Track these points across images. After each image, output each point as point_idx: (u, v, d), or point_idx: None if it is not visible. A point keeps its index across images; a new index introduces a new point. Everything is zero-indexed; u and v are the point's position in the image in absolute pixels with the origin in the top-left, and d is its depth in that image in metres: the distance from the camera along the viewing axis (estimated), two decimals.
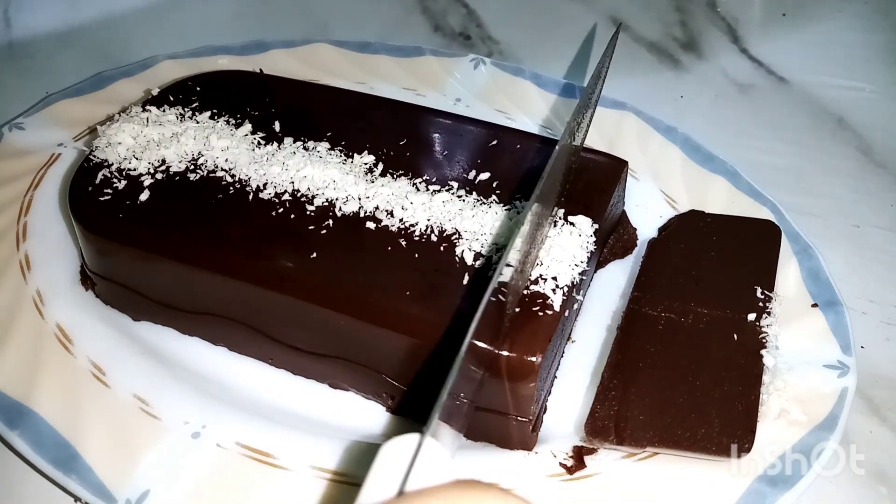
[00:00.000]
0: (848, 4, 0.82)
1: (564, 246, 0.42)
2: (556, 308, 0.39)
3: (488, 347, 0.37)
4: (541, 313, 0.39)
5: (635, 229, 0.53)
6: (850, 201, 0.60)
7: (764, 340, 0.42)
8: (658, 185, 0.56)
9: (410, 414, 0.44)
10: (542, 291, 0.40)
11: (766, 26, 0.79)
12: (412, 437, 0.26)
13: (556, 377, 0.45)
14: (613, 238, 0.51)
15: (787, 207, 0.53)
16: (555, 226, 0.43)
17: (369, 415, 0.44)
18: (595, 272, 0.51)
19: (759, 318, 0.43)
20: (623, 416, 0.39)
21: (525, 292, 0.40)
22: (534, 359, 0.37)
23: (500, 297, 0.37)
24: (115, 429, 0.42)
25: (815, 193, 0.60)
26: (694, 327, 0.43)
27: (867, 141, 0.65)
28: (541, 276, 0.41)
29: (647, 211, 0.54)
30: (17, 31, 0.74)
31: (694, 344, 0.42)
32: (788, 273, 0.49)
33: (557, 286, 0.40)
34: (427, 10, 0.80)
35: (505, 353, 0.38)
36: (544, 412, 0.43)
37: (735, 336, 0.42)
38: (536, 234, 0.41)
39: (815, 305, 0.47)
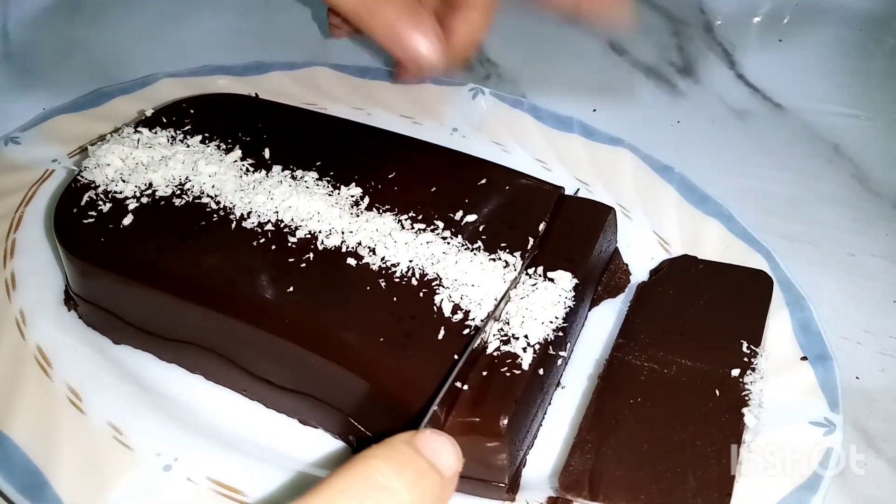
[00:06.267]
0: (844, 31, 0.81)
1: (540, 303, 0.41)
2: (525, 367, 0.39)
3: (449, 414, 0.37)
4: (508, 374, 0.38)
5: (627, 265, 0.52)
6: (845, 229, 0.59)
7: (746, 398, 0.41)
8: (651, 225, 0.55)
9: None
10: (512, 351, 0.39)
11: (763, 52, 0.79)
12: None
13: (537, 433, 0.44)
14: (606, 276, 0.51)
15: (782, 235, 0.53)
16: (533, 285, 0.43)
17: (338, 454, 0.44)
18: (589, 311, 0.50)
19: (742, 375, 0.42)
20: (598, 470, 0.38)
21: (495, 353, 0.39)
22: (500, 422, 0.37)
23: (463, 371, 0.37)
24: (87, 457, 0.42)
25: (811, 221, 0.60)
26: (676, 380, 0.42)
27: (862, 169, 0.65)
28: (513, 335, 0.40)
29: (639, 252, 0.53)
30: (15, 45, 0.74)
31: (675, 397, 0.41)
32: (779, 324, 0.47)
33: (529, 344, 0.40)
34: None
35: (469, 418, 0.37)
36: (524, 466, 0.42)
37: (717, 392, 0.41)
38: (509, 295, 0.41)
39: (804, 359, 0.46)
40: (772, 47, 0.79)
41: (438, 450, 0.28)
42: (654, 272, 0.51)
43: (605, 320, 0.50)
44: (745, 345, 0.43)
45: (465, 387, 0.38)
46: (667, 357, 0.43)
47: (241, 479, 0.41)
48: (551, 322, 0.41)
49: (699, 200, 0.55)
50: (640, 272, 0.52)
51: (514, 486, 0.41)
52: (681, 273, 0.49)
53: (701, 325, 0.45)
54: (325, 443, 0.44)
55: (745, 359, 0.43)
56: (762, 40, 0.81)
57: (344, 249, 0.44)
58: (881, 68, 0.78)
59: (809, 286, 0.50)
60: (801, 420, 0.43)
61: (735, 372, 0.42)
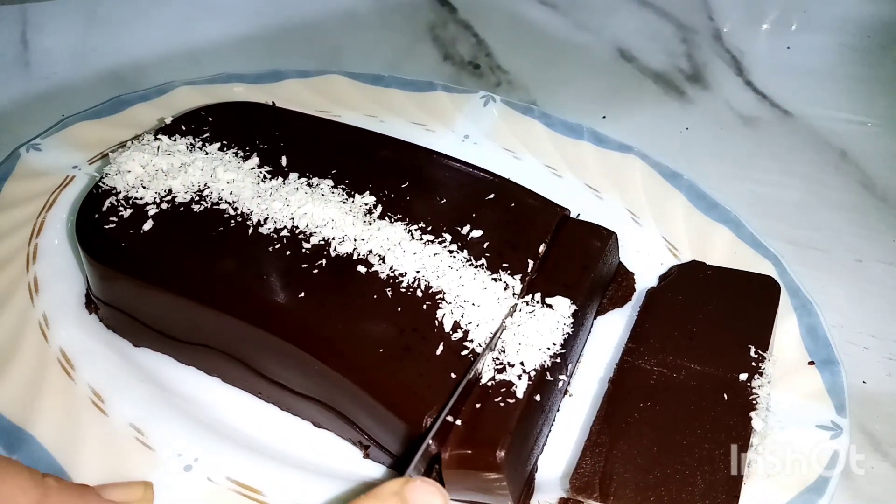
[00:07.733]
0: (852, 38, 0.82)
1: (538, 330, 0.42)
2: (520, 395, 0.39)
3: (444, 449, 0.38)
4: (502, 403, 0.39)
5: (633, 274, 0.53)
6: (852, 235, 0.60)
7: (754, 402, 0.42)
8: (660, 231, 0.56)
9: (383, 462, 0.44)
10: (506, 379, 0.40)
11: (771, 59, 0.80)
12: None
13: (547, 439, 0.45)
14: (612, 288, 0.51)
15: (790, 240, 0.53)
16: (530, 312, 0.43)
17: (351, 456, 0.45)
18: (595, 319, 0.51)
19: (750, 379, 0.43)
20: (608, 472, 0.39)
21: (489, 383, 0.40)
22: (497, 454, 0.37)
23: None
24: (109, 458, 0.43)
25: (818, 227, 0.61)
26: (685, 384, 0.43)
27: (869, 175, 0.66)
28: (508, 363, 0.40)
29: (648, 258, 0.54)
30: (35, 53, 0.76)
31: (684, 401, 0.42)
32: (786, 328, 0.48)
33: (524, 371, 0.40)
34: (437, 38, 0.81)
35: (464, 451, 0.37)
36: (536, 471, 0.43)
37: (725, 396, 0.42)
38: (505, 324, 0.42)
39: (811, 363, 0.47)
40: (780, 54, 0.81)
41: (426, 500, 0.29)
42: (662, 277, 0.52)
43: (614, 325, 0.51)
44: (752, 349, 0.44)
45: (458, 421, 0.38)
46: (676, 361, 0.44)
47: (260, 480, 0.42)
48: (548, 348, 0.41)
49: (707, 207, 0.56)
50: (649, 277, 0.53)
51: (525, 500, 0.41)
52: (689, 278, 0.50)
53: (709, 330, 0.46)
54: (338, 445, 0.45)
55: (753, 363, 0.43)
56: (770, 47, 0.82)
57: (355, 256, 0.45)
58: (888, 75, 0.79)
59: (817, 291, 0.51)
60: (808, 423, 0.44)
61: (743, 376, 0.43)
